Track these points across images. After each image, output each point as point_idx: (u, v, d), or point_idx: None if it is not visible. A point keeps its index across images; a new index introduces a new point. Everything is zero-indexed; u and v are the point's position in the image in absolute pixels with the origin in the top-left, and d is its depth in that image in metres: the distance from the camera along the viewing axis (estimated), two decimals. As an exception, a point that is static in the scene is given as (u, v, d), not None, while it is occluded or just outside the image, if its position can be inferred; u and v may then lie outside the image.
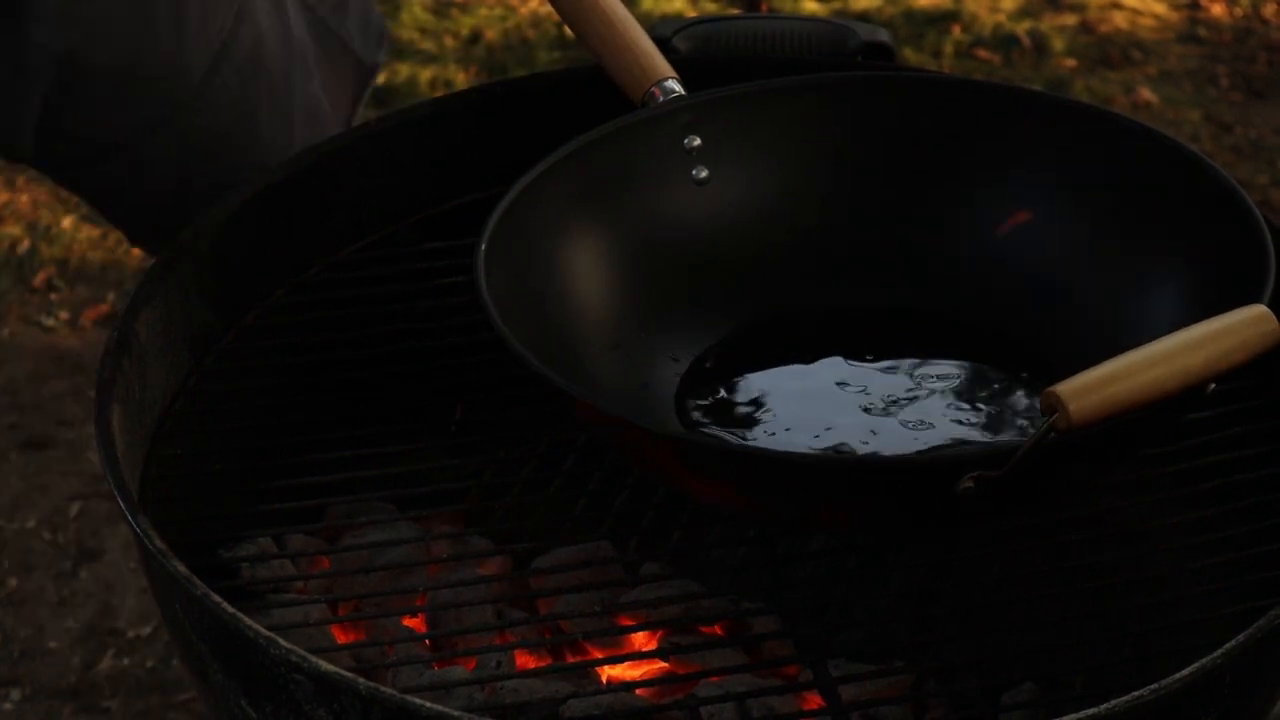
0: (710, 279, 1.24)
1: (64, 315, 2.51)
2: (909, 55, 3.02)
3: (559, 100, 1.39)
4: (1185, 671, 0.95)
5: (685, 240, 1.24)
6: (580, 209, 1.21)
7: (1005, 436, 1.15)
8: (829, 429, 1.16)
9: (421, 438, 1.24)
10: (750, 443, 1.15)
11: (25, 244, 2.62)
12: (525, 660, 1.14)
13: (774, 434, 1.16)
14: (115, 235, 2.54)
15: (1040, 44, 3.08)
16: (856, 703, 1.07)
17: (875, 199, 1.26)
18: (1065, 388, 0.95)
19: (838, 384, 1.20)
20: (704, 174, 1.25)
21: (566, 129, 1.22)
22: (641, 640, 1.14)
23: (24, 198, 2.69)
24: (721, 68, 1.33)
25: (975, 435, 1.15)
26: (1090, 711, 0.93)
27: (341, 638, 1.14)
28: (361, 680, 0.96)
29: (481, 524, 1.21)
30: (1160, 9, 3.21)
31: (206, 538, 1.17)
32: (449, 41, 3.10)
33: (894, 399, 1.18)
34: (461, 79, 2.98)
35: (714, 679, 1.08)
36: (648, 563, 1.17)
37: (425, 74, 2.99)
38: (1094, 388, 0.95)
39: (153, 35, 1.38)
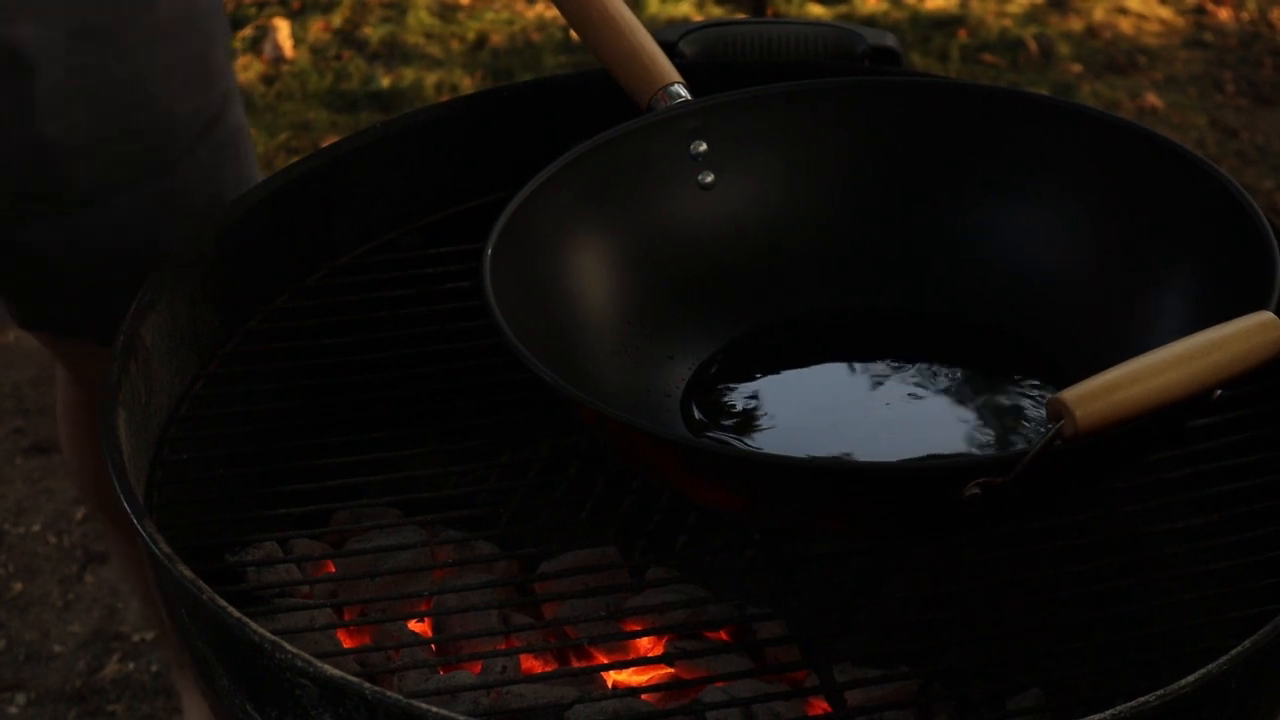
0: (716, 284, 1.24)
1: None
2: (916, 59, 3.02)
3: (565, 105, 1.39)
4: (1191, 677, 0.95)
5: (691, 245, 1.24)
6: (586, 214, 1.20)
7: (1011, 442, 1.15)
8: (834, 434, 1.16)
9: (426, 442, 1.24)
10: (754, 447, 1.15)
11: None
12: (531, 665, 1.14)
13: (779, 438, 1.16)
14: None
15: (1046, 49, 3.08)
16: (862, 708, 1.07)
17: (881, 203, 1.26)
18: (1071, 394, 0.95)
19: (843, 388, 1.19)
20: (710, 179, 1.25)
21: (573, 134, 1.22)
22: (647, 645, 1.14)
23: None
24: (728, 72, 1.33)
25: (981, 441, 1.15)
26: (1096, 717, 0.93)
27: (347, 642, 1.14)
28: (367, 685, 0.96)
29: (487, 528, 1.21)
30: (1166, 14, 3.21)
31: (212, 542, 1.17)
32: (455, 46, 3.11)
33: (899, 404, 1.18)
34: (467, 83, 2.99)
35: (720, 684, 1.08)
36: (653, 567, 1.17)
37: (431, 78, 2.99)
38: (1100, 394, 0.95)
39: (147, 98, 1.43)
